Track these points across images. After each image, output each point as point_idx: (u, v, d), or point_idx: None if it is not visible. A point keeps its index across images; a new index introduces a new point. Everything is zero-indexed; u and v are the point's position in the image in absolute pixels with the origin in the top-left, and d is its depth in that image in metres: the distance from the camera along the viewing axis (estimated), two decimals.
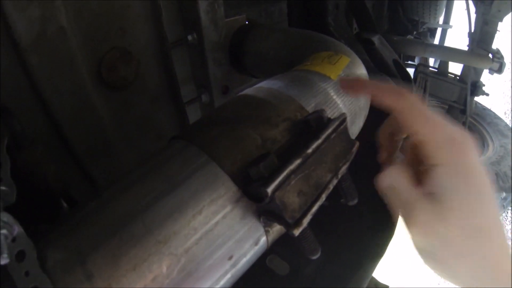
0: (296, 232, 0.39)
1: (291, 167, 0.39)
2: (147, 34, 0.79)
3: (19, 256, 0.36)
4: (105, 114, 0.76)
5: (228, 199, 0.40)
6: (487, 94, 2.19)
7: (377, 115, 0.55)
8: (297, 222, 0.39)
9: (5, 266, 0.36)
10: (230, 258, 0.42)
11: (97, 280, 0.36)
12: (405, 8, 2.01)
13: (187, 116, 0.93)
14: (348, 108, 0.62)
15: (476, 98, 2.30)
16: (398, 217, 0.51)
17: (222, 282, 0.42)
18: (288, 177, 0.38)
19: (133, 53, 0.77)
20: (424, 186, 0.39)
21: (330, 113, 0.56)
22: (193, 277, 0.39)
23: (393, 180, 0.42)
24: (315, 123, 0.46)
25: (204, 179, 0.40)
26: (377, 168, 0.46)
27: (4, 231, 0.35)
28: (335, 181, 0.45)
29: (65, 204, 0.60)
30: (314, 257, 0.48)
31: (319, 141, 0.43)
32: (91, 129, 0.74)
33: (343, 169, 0.47)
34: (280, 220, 0.39)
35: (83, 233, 0.39)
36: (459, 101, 2.15)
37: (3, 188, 0.42)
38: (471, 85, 2.06)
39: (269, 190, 0.36)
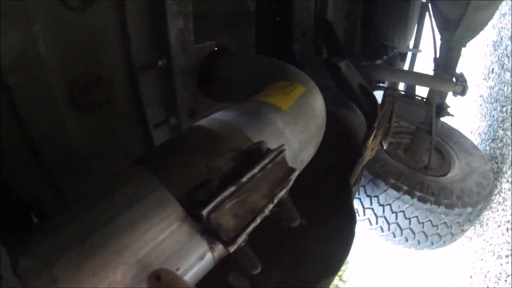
0: (231, 249, 0.46)
1: (225, 193, 0.46)
2: (118, 60, 0.85)
3: None
4: (77, 134, 0.81)
5: (175, 218, 0.48)
6: (452, 115, 2.31)
7: None
8: (232, 240, 0.46)
9: None
10: (177, 269, 0.49)
11: (61, 284, 0.42)
12: (377, 33, 2.11)
13: (152, 138, 0.99)
14: (297, 138, 0.69)
15: (443, 119, 2.42)
16: None
17: None
18: (222, 202, 0.46)
19: (105, 77, 0.82)
20: None
21: (276, 144, 0.63)
22: (145, 284, 0.45)
23: None
24: (254, 154, 0.54)
25: (155, 201, 0.48)
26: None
27: None
28: (270, 206, 0.53)
29: (35, 218, 0.65)
30: (254, 272, 0.55)
31: (255, 170, 0.50)
32: (64, 147, 0.79)
33: (280, 195, 0.54)
34: (217, 238, 0.46)
35: (51, 242, 0.46)
36: (426, 122, 2.26)
37: None
38: (436, 107, 2.17)
39: (204, 212, 0.44)
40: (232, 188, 0.47)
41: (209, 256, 0.52)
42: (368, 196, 2.19)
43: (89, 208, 0.49)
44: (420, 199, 2.10)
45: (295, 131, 0.69)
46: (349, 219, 0.96)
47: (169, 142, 0.58)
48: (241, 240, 0.47)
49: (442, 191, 2.16)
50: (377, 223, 2.26)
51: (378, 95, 1.76)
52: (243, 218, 0.48)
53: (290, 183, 0.57)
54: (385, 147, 2.16)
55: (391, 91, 1.87)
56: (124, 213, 0.47)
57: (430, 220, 2.18)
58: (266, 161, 0.52)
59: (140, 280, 0.45)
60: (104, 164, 0.89)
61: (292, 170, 0.58)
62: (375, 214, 2.22)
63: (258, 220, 0.50)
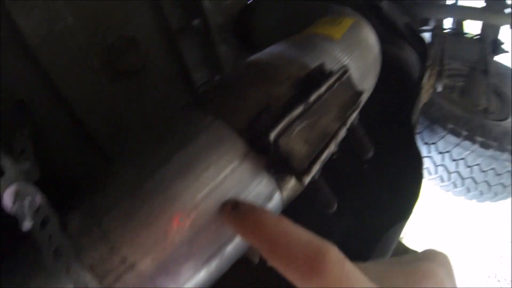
0: (305, 179, 0.39)
1: (293, 113, 0.39)
2: (151, 22, 0.80)
3: (43, 224, 0.39)
4: (119, 100, 0.78)
5: (236, 154, 0.41)
6: (507, 51, 2.11)
7: None
8: (306, 170, 0.39)
9: (29, 232, 0.39)
10: None
11: (112, 239, 0.38)
12: None
13: None
14: (356, 65, 0.62)
15: (497, 57, 2.22)
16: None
17: (236, 240, 0.43)
18: (290, 124, 0.39)
19: (139, 40, 0.79)
20: None
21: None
22: (206, 232, 0.40)
23: None
24: (317, 76, 0.47)
25: (210, 136, 0.41)
26: None
27: (28, 199, 0.39)
28: (344, 130, 0.45)
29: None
30: (330, 211, 0.48)
31: (321, 89, 0.43)
32: (109, 117, 0.77)
33: (351, 117, 0.47)
34: (288, 169, 0.39)
35: (98, 197, 0.42)
36: (480, 61, 2.08)
37: (28, 165, 0.45)
38: (490, 43, 1.99)
39: (271, 136, 0.37)
40: (300, 108, 0.40)
41: (277, 196, 0.45)
42: (425, 143, 2.05)
43: (136, 155, 0.44)
44: (483, 145, 1.94)
45: (353, 59, 0.61)
46: (415, 160, 0.88)
47: (218, 80, 0.52)
48: (315, 169, 0.40)
49: (505, 136, 1.99)
50: (436, 173, 2.12)
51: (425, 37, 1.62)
52: (316, 143, 0.41)
53: (360, 106, 0.50)
54: (440, 89, 2.00)
55: (439, 30, 1.72)
56: (176, 154, 0.41)
57: (493, 168, 2.02)
58: (331, 80, 0.45)
59: (199, 227, 0.39)
60: (151, 128, 0.85)
61: (360, 92, 0.51)
62: (433, 163, 2.08)
63: (332, 146, 0.43)
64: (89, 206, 0.42)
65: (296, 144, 0.39)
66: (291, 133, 0.39)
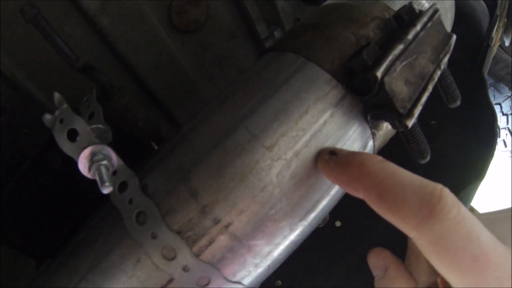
0: (409, 123, 0.36)
1: (395, 51, 0.36)
2: None
3: (122, 187, 0.38)
4: (183, 58, 0.77)
5: (333, 96, 0.38)
6: None
7: None
8: (409, 112, 0.36)
9: (109, 197, 0.38)
10: None
11: (203, 196, 0.35)
12: None
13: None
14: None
15: None
16: None
17: (333, 192, 0.40)
18: (393, 63, 0.36)
19: None
20: None
21: None
22: (306, 184, 0.37)
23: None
24: (407, 16, 0.43)
25: (305, 79, 0.38)
26: None
27: (104, 162, 0.37)
28: (438, 73, 0.42)
29: (155, 146, 0.62)
30: (424, 161, 0.46)
31: (417, 27, 0.40)
32: (172, 75, 0.75)
33: (445, 60, 0.44)
34: (391, 111, 0.36)
35: (183, 151, 0.39)
36: None
37: (101, 126, 0.44)
38: None
39: (379, 74, 0.34)
40: (400, 46, 0.37)
41: (370, 145, 0.42)
42: None
43: (223, 104, 0.41)
44: None
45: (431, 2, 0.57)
46: (489, 115, 0.83)
47: (298, 25, 0.49)
48: (417, 112, 0.37)
49: None
50: (499, 136, 1.99)
51: None
52: (416, 84, 0.38)
53: (451, 49, 0.46)
54: (507, 43, 1.84)
55: None
56: (270, 98, 0.37)
57: None
58: (425, 18, 0.42)
59: (298, 178, 0.36)
60: (217, 84, 0.84)
61: (451, 34, 0.47)
62: (497, 126, 1.96)
63: (430, 88, 0.40)
64: (173, 163, 0.39)
65: (398, 85, 0.36)
66: (394, 73, 0.36)
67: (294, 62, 0.41)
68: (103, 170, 0.36)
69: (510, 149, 2.03)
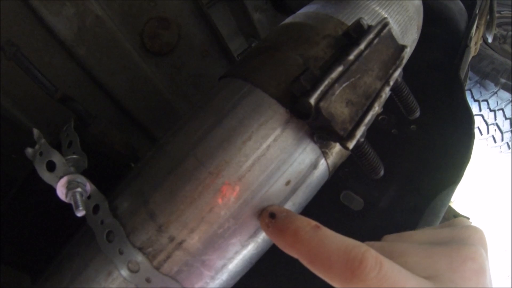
0: (350, 145, 0.37)
1: (333, 75, 0.37)
2: None
3: (95, 209, 0.43)
4: (158, 80, 0.79)
5: (277, 121, 0.39)
6: None
7: None
8: (350, 134, 0.37)
9: (83, 219, 0.43)
10: (288, 183, 0.41)
11: (159, 217, 0.39)
12: None
13: None
14: (395, 19, 0.58)
15: None
16: None
17: None
18: (331, 86, 0.37)
19: (170, 18, 0.78)
20: None
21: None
22: (251, 205, 0.40)
23: None
24: (355, 33, 0.44)
25: (250, 105, 0.40)
26: None
27: (79, 189, 0.42)
28: (387, 89, 0.43)
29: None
30: (377, 177, 0.46)
31: (361, 46, 0.40)
32: (148, 96, 0.78)
33: (395, 75, 0.44)
34: (331, 133, 0.37)
35: (143, 178, 0.43)
36: None
37: (76, 156, 0.49)
38: None
39: (312, 100, 0.35)
40: (340, 68, 0.38)
41: (322, 164, 0.44)
42: (475, 101, 1.92)
43: (177, 133, 0.44)
44: None
45: (392, 12, 0.57)
46: (465, 118, 0.82)
47: (254, 47, 0.50)
48: (360, 133, 0.38)
49: None
50: (488, 132, 1.99)
51: None
52: (359, 105, 0.39)
53: (403, 62, 0.46)
54: (490, 40, 1.84)
55: None
56: (216, 127, 0.40)
57: None
58: (371, 35, 0.42)
59: (244, 200, 0.39)
60: (192, 101, 0.87)
61: (403, 46, 0.47)
62: (485, 121, 1.95)
63: (377, 107, 0.40)
64: (135, 188, 0.43)
65: (337, 107, 0.37)
66: (332, 96, 0.37)
67: (241, 88, 0.42)
68: (78, 196, 0.42)
69: (499, 145, 2.02)
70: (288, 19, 0.54)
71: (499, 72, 1.83)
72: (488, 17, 1.53)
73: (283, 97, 0.40)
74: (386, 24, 0.45)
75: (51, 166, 0.42)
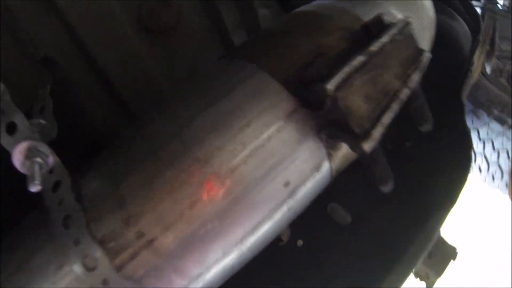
0: (367, 146, 0.32)
1: (354, 63, 0.32)
2: None
3: (55, 186, 0.36)
4: (151, 62, 0.74)
5: (282, 109, 0.34)
6: None
7: None
8: (367, 133, 0.32)
9: (41, 196, 0.36)
10: (287, 184, 0.35)
11: (129, 206, 0.33)
12: None
13: None
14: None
15: None
16: None
17: (277, 216, 0.36)
18: (350, 76, 0.32)
19: None
20: None
21: None
22: (241, 205, 0.34)
23: None
24: (375, 28, 0.39)
25: (252, 88, 0.35)
26: None
27: (38, 159, 0.34)
28: (406, 91, 0.38)
29: None
30: (385, 189, 0.41)
31: (384, 39, 0.36)
32: (139, 77, 0.72)
33: (414, 78, 0.40)
34: (346, 130, 0.32)
35: (118, 158, 0.36)
36: None
37: (44, 122, 0.42)
38: None
39: (330, 86, 0.30)
40: (361, 58, 0.33)
41: (326, 166, 0.38)
42: None
43: (163, 112, 0.39)
44: None
45: (408, 17, 0.54)
46: (464, 141, 0.80)
47: (261, 31, 0.45)
48: (378, 134, 0.33)
49: None
50: (475, 162, 1.98)
51: None
52: (377, 101, 0.34)
53: (424, 66, 0.42)
54: (488, 71, 1.81)
55: (491, 6, 1.59)
56: (209, 109, 0.34)
57: None
58: (393, 31, 0.38)
59: (233, 198, 0.33)
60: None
61: (422, 50, 0.43)
62: (473, 151, 1.94)
63: (396, 107, 0.35)
64: (106, 168, 0.37)
65: (355, 100, 0.32)
66: (350, 87, 0.32)
67: (243, 70, 0.37)
68: (36, 167, 0.34)
69: (483, 176, 2.02)
70: (301, 8, 0.49)
71: (493, 103, 1.84)
72: (488, 47, 1.53)
73: (291, 83, 0.35)
74: (408, 23, 0.41)
75: (11, 128, 0.36)
